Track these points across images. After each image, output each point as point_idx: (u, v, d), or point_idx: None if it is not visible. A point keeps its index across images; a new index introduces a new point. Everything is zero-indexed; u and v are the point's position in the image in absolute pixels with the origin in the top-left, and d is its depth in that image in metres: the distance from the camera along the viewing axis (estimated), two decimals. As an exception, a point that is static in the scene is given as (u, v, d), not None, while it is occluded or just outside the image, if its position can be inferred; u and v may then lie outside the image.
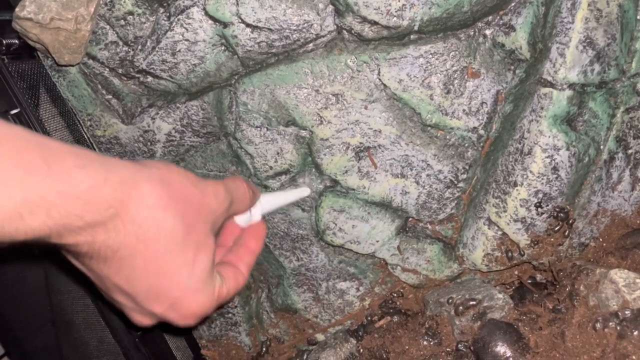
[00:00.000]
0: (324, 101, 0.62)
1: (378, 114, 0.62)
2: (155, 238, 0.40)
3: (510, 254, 0.62)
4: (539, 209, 0.59)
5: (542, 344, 0.52)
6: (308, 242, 0.68)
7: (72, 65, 0.62)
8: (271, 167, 0.65)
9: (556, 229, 0.60)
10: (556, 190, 0.59)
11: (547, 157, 0.58)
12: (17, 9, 0.56)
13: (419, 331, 0.63)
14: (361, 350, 0.64)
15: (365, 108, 0.62)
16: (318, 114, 0.63)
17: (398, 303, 0.69)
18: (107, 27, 0.63)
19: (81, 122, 0.68)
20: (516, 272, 0.66)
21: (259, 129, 0.64)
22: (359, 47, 0.61)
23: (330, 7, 0.60)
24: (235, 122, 0.64)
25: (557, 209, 0.59)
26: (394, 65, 0.60)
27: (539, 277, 0.66)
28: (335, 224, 0.65)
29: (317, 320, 0.71)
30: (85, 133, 0.68)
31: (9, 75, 0.60)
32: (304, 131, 0.64)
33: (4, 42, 0.61)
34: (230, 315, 0.72)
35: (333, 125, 0.63)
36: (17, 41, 0.63)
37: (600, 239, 0.62)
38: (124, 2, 0.61)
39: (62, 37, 0.58)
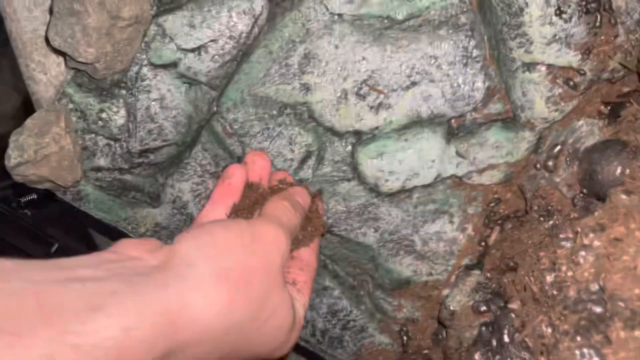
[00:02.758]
0: (297, 67, 0.59)
1: (352, 45, 0.57)
2: (224, 343, 0.35)
3: (571, 82, 0.52)
4: (563, 15, 0.50)
5: (654, 136, 0.42)
6: (372, 206, 0.62)
7: (78, 182, 0.64)
8: (292, 160, 0.62)
9: (597, 23, 0.50)
10: (565, -16, 0.50)
11: (533, -40, 0.50)
12: (6, 162, 0.59)
13: (532, 219, 0.53)
14: (488, 275, 0.55)
15: (337, 47, 0.58)
16: (300, 83, 0.59)
17: (501, 210, 0.60)
18: (93, 135, 0.65)
19: (123, 231, 0.69)
20: (598, 100, 0.56)
21: (260, 133, 0.62)
22: (295, -2, 0.58)
23: (251, -14, 0.58)
24: (238, 141, 0.63)
25: (582, 2, 0.50)
26: (334, -9, 0.56)
27: (625, 89, 0.55)
28: (382, 170, 0.59)
29: (433, 277, 0.63)
30: (132, 237, 0.69)
31: (37, 224, 0.63)
32: (299, 107, 0.60)
33: (22, 200, 0.65)
34: (351, 323, 0.66)
35: (320, 83, 0.59)
36: (35, 195, 0.67)
37: (657, 1, 0.51)
38: (91, 105, 0.63)
39: (54, 162, 0.60)
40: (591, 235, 0.37)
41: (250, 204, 0.47)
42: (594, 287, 0.35)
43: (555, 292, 0.38)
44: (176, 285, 0.32)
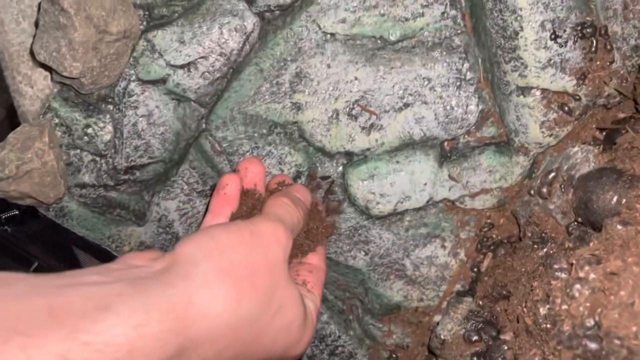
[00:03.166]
0: (289, 86, 0.58)
1: (344, 65, 0.56)
2: (236, 339, 0.35)
3: (566, 107, 0.52)
4: (558, 40, 0.49)
5: (650, 165, 0.41)
6: (363, 228, 0.61)
7: (61, 198, 0.63)
8: (282, 179, 0.60)
9: (593, 49, 0.50)
10: (561, 8, 0.49)
11: (528, -16, 0.49)
12: (-14, 177, 0.58)
13: (526, 246, 0.52)
14: (480, 302, 0.54)
15: (329, 67, 0.57)
16: (291, 102, 0.58)
17: (494, 236, 0.59)
18: (78, 151, 0.63)
19: (107, 249, 0.67)
20: (593, 126, 0.55)
21: (250, 152, 0.60)
22: (287, 16, 0.57)
23: (242, 3, 0.57)
24: (226, 160, 0.61)
25: (578, 27, 0.49)
26: (327, 10, 0.55)
27: (620, 115, 0.54)
28: (373, 193, 0.58)
29: (424, 303, 0.61)
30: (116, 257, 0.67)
31: (17, 241, 0.61)
32: (289, 126, 0.59)
33: (3, 216, 0.63)
34: (339, 349, 0.64)
35: (311, 103, 0.58)
36: (17, 211, 0.65)
37: (652, 28, 0.51)
38: (77, 120, 0.62)
39: (36, 178, 0.59)
40: (586, 267, 0.35)
41: (248, 210, 0.46)
42: (590, 322, 0.34)
43: (549, 326, 0.37)
44: (182, 285, 0.32)
